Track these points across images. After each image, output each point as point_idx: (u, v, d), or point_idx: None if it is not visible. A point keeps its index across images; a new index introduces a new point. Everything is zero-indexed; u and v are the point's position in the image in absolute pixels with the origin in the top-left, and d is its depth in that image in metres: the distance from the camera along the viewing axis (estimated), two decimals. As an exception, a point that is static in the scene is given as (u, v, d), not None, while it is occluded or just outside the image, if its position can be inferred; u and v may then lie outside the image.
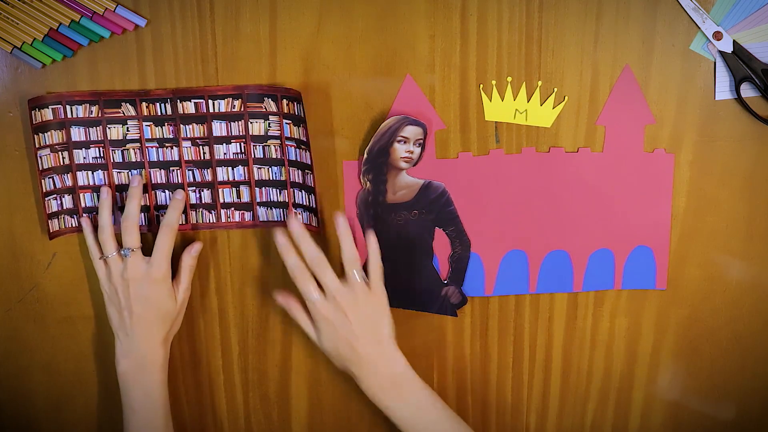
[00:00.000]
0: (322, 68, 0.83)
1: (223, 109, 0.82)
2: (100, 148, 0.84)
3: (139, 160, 0.84)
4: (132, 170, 0.84)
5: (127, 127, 0.83)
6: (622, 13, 0.81)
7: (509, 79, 0.83)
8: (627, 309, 0.91)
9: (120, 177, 0.84)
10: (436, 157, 0.85)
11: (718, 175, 0.87)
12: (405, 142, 0.83)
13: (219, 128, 0.83)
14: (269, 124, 0.82)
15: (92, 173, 0.84)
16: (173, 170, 0.84)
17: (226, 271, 0.89)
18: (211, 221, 0.86)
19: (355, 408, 0.94)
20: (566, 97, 0.84)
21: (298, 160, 0.83)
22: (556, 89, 0.83)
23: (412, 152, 0.83)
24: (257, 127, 0.83)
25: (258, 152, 0.83)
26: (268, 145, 0.83)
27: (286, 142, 0.83)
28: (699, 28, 0.82)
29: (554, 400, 0.94)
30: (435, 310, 0.89)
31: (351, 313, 0.82)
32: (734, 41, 0.82)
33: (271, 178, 0.84)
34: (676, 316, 0.91)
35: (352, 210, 0.86)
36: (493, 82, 0.83)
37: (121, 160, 0.84)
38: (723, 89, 0.83)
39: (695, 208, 0.87)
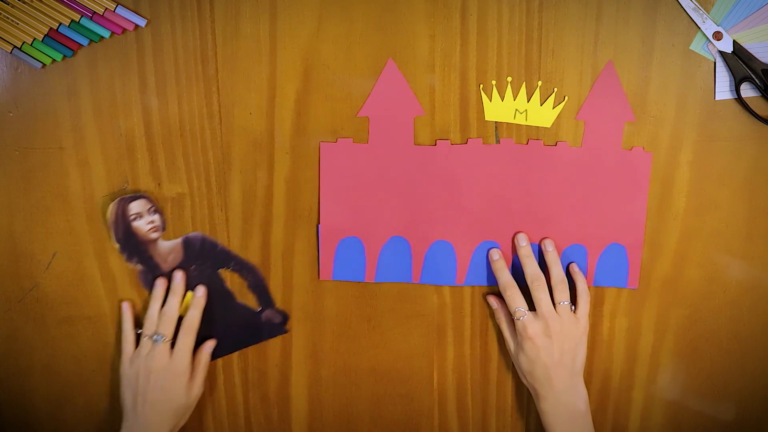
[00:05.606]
0: (322, 68, 0.83)
1: None
2: None
3: None
4: None
5: None
6: (622, 13, 0.81)
7: (509, 79, 0.83)
8: (627, 309, 0.91)
9: None
10: (414, 143, 0.85)
11: (718, 175, 0.87)
12: (140, 217, 0.84)
13: None
14: None
15: None
16: None
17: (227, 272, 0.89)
18: None
19: (355, 408, 0.94)
20: (566, 97, 0.84)
21: None
22: (556, 89, 0.83)
23: (153, 221, 0.85)
24: None
25: None
26: None
27: None
28: (699, 28, 0.82)
29: (554, 400, 0.94)
30: (267, 337, 0.91)
31: (556, 340, 0.83)
32: (734, 41, 0.82)
33: None
34: (676, 316, 0.91)
35: (329, 195, 0.86)
36: (493, 82, 0.83)
37: None
38: (723, 89, 0.83)
39: (695, 208, 0.87)
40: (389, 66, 0.82)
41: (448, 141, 0.85)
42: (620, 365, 0.93)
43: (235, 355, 0.92)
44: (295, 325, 0.91)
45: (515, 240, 0.87)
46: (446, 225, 0.87)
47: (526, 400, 0.93)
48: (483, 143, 0.85)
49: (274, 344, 0.91)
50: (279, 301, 0.90)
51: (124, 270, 0.88)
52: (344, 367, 0.92)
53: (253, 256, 0.88)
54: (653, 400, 0.94)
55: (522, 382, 0.92)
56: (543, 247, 0.86)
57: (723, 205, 0.87)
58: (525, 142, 0.85)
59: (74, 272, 0.88)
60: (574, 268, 0.87)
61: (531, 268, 0.85)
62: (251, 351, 0.91)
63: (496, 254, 0.87)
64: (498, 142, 0.85)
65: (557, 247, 0.88)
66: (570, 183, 0.86)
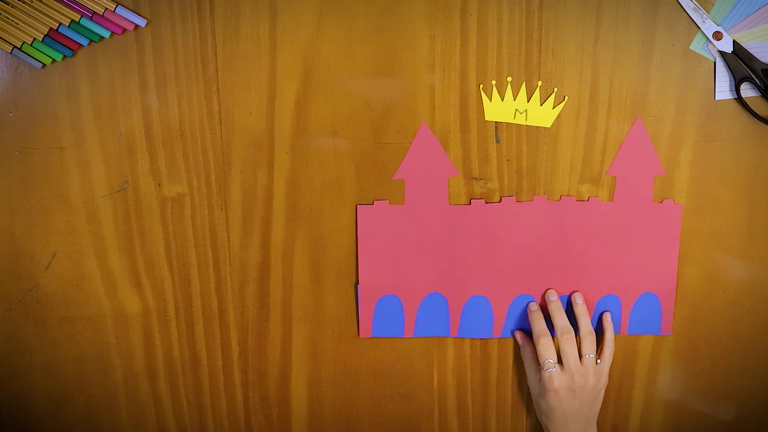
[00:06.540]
0: (322, 68, 0.83)
1: None
2: None
3: None
4: None
5: None
6: (622, 13, 0.81)
7: (509, 79, 0.83)
8: (627, 309, 0.91)
9: None
10: (449, 203, 0.85)
11: (718, 175, 0.87)
12: None
13: None
14: None
15: None
16: None
17: (226, 271, 0.89)
18: None
19: (355, 408, 0.94)
20: (566, 97, 0.84)
21: None
22: (556, 89, 0.83)
23: None
24: None
25: None
26: None
27: None
28: (699, 28, 0.82)
29: (554, 400, 0.94)
30: None
31: (579, 394, 0.85)
32: (734, 41, 0.82)
33: None
34: (676, 316, 0.91)
35: (367, 255, 0.87)
36: (493, 82, 0.83)
37: None
38: (723, 89, 0.83)
39: (695, 208, 0.87)
40: (422, 129, 0.84)
41: (483, 200, 0.86)
42: (620, 365, 0.93)
43: (235, 355, 0.92)
44: (295, 325, 0.91)
45: (545, 295, 0.88)
46: (482, 280, 0.88)
47: (526, 400, 0.94)
48: (516, 201, 0.86)
49: (274, 344, 0.91)
50: (279, 301, 0.90)
51: (124, 270, 0.88)
52: (344, 367, 0.92)
53: (253, 256, 0.88)
54: (653, 400, 0.94)
55: (523, 384, 0.92)
56: (573, 299, 0.88)
57: (723, 205, 0.87)
58: (523, 141, 0.85)
59: (74, 272, 0.88)
60: (607, 318, 0.89)
61: (561, 321, 0.87)
62: (251, 351, 0.91)
63: (534, 306, 0.88)
64: (498, 142, 0.85)
65: (591, 298, 0.89)
66: (602, 236, 0.87)
